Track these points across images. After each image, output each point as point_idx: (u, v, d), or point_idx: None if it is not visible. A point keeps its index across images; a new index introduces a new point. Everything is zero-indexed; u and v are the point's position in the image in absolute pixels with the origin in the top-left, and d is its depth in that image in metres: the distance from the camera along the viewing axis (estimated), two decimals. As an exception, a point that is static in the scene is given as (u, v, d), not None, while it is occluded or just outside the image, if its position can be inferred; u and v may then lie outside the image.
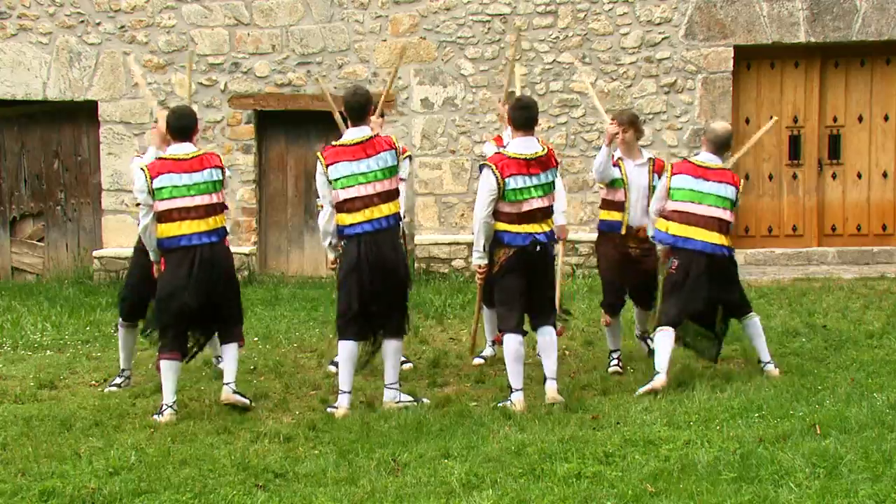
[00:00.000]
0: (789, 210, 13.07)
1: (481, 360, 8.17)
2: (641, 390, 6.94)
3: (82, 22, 13.03)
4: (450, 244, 12.57)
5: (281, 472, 5.51)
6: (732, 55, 12.63)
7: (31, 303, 11.34)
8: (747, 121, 13.01)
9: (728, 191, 7.24)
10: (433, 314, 10.12)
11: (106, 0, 12.98)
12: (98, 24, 13.02)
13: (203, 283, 6.81)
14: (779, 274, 11.99)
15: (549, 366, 6.89)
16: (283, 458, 5.76)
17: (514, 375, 6.77)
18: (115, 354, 8.36)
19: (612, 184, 7.62)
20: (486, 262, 6.87)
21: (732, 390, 6.73)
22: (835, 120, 12.97)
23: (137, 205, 7.09)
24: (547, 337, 6.90)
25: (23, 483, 5.37)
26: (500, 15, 12.75)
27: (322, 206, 6.94)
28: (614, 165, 7.55)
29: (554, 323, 6.99)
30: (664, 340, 7.10)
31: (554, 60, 12.72)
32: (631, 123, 7.57)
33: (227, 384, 6.98)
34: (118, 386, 7.68)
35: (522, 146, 6.80)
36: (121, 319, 7.78)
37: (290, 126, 13.18)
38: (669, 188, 7.29)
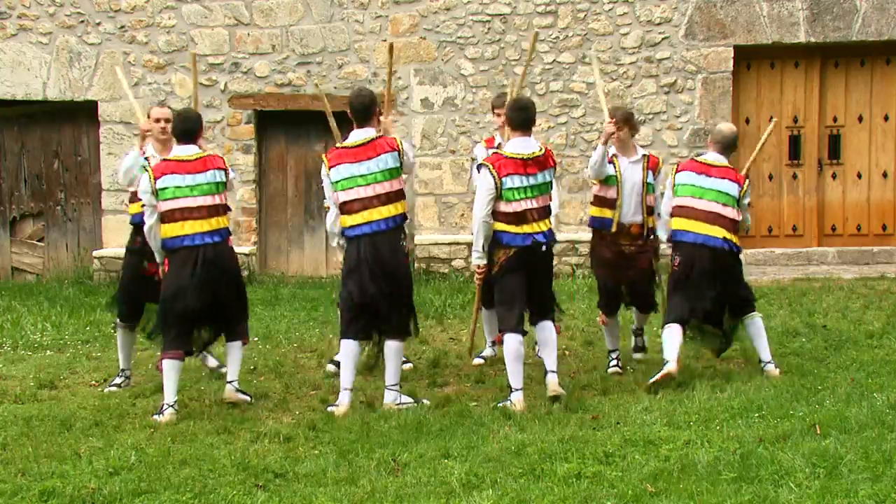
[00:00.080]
0: (789, 210, 13.08)
1: (481, 361, 8.17)
2: (653, 380, 7.02)
3: (82, 22, 13.04)
4: (450, 244, 12.57)
5: (281, 472, 5.51)
6: (732, 55, 12.64)
7: (31, 303, 11.34)
8: (747, 121, 13.01)
9: (730, 187, 7.29)
10: (433, 314, 10.11)
11: (106, 0, 12.98)
12: (98, 24, 13.03)
13: (206, 283, 6.84)
14: (779, 274, 11.99)
15: (550, 359, 6.93)
16: (283, 458, 5.76)
17: (514, 375, 6.77)
18: (114, 354, 8.36)
19: (606, 181, 7.57)
20: (485, 261, 6.89)
21: (732, 390, 6.74)
22: (835, 120, 12.98)
23: (132, 201, 7.49)
24: (546, 332, 6.95)
25: (23, 483, 5.37)
26: (500, 15, 12.75)
27: (329, 208, 7.06)
28: (609, 163, 7.54)
29: (553, 318, 7.03)
30: (672, 334, 7.18)
31: (554, 60, 12.72)
32: (625, 121, 7.51)
33: (229, 383, 7.10)
34: (118, 386, 7.68)
35: (520, 146, 6.83)
36: (118, 321, 7.79)
37: (290, 126, 13.18)
38: (674, 186, 7.42)
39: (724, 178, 7.31)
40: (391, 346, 6.90)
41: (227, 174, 7.03)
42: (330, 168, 6.83)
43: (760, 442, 5.49)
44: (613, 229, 7.56)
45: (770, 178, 13.05)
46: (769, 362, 7.31)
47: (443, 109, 12.85)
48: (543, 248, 6.85)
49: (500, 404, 6.76)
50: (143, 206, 7.05)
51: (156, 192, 6.84)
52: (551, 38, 12.71)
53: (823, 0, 12.52)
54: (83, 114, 13.26)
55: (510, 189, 6.73)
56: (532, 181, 6.79)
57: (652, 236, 7.67)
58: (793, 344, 8.24)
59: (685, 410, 6.30)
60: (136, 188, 7.31)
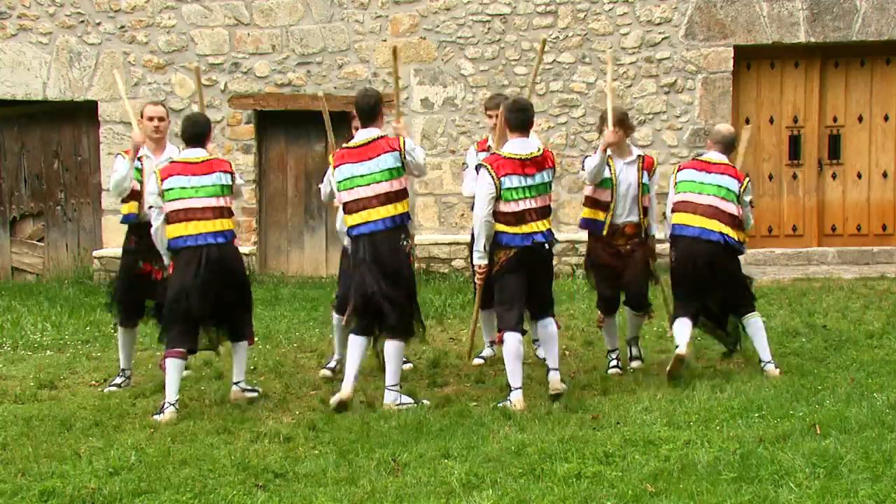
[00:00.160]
0: (789, 210, 13.08)
1: (481, 361, 8.17)
2: (668, 369, 7.15)
3: (82, 22, 13.04)
4: (450, 244, 12.57)
5: (281, 472, 5.51)
6: (732, 55, 12.64)
7: (31, 303, 11.34)
8: (747, 121, 13.00)
9: (731, 182, 7.35)
10: (433, 314, 10.11)
11: (106, 0, 12.99)
12: (98, 24, 13.03)
13: (210, 284, 6.87)
14: (779, 274, 11.99)
15: (551, 356, 6.98)
16: (283, 458, 5.76)
17: (514, 374, 6.79)
18: (114, 354, 8.36)
19: (601, 183, 7.49)
20: (486, 261, 6.90)
21: (732, 390, 6.74)
22: (835, 120, 12.98)
23: (125, 201, 7.53)
24: (548, 329, 7.01)
25: (23, 483, 5.37)
26: (500, 15, 12.76)
27: (339, 207, 7.15)
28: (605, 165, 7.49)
29: (554, 315, 7.11)
30: (682, 325, 7.31)
31: (554, 60, 12.72)
32: (620, 123, 7.40)
33: (235, 383, 7.22)
34: (118, 386, 7.68)
35: (518, 147, 6.87)
36: (119, 319, 7.78)
37: (290, 126, 13.19)
38: (675, 184, 7.50)
39: (724, 174, 7.38)
40: (391, 346, 6.91)
41: (233, 178, 7.09)
42: (335, 168, 6.95)
43: (760, 442, 5.49)
44: (605, 232, 7.49)
45: (770, 178, 13.05)
46: (769, 362, 7.32)
47: (443, 109, 12.85)
48: (544, 247, 6.88)
49: (500, 404, 6.77)
50: (149, 207, 7.10)
51: (162, 194, 6.89)
52: (551, 38, 12.71)
53: (823, 0, 12.52)
54: (83, 114, 13.27)
55: (509, 189, 6.77)
56: (530, 181, 6.82)
57: (646, 236, 7.60)
58: (793, 344, 8.24)
59: (685, 410, 6.30)
60: (126, 193, 7.47)
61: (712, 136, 7.64)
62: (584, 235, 12.17)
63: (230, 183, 7.05)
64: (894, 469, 4.92)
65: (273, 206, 13.35)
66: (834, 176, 13.03)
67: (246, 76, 12.97)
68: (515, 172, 6.78)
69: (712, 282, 7.29)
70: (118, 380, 7.75)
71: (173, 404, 6.79)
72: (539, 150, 6.90)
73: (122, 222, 7.72)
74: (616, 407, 6.59)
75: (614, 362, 7.74)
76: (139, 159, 7.46)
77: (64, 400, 7.39)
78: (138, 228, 7.52)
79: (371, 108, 6.94)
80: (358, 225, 6.85)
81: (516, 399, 6.71)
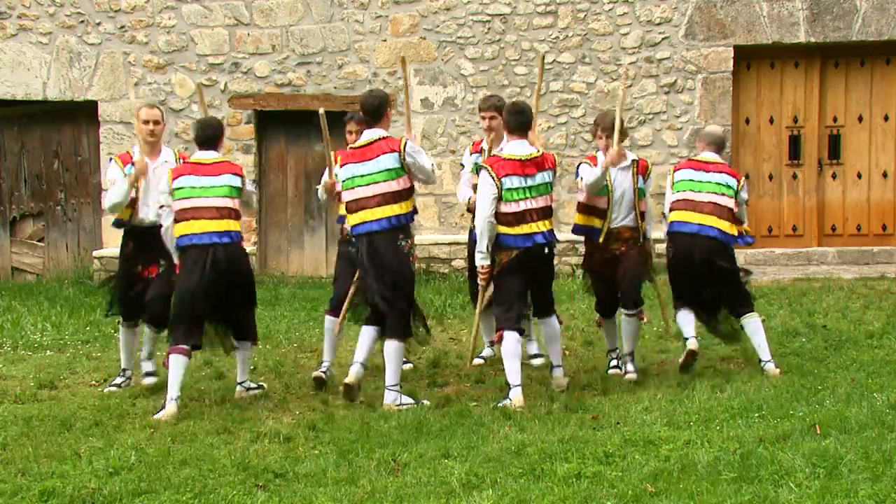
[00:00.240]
0: (789, 210, 13.08)
1: (481, 361, 8.16)
2: (681, 363, 7.38)
3: (82, 22, 13.04)
4: (450, 244, 12.57)
5: (281, 472, 5.51)
6: (732, 55, 12.64)
7: (32, 303, 11.34)
8: (747, 121, 13.02)
9: (728, 180, 7.47)
10: (433, 314, 10.11)
11: (106, 0, 12.99)
12: (98, 24, 13.03)
13: (216, 283, 6.93)
14: (779, 274, 11.99)
15: (555, 354, 7.19)
16: (283, 458, 5.76)
17: (512, 372, 6.82)
18: (115, 354, 8.37)
19: (598, 191, 7.39)
20: (489, 262, 6.92)
21: (732, 390, 6.74)
22: (835, 120, 12.98)
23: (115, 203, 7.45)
24: (551, 327, 7.14)
25: (23, 483, 5.37)
26: (500, 15, 12.76)
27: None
28: None
29: (556, 313, 7.22)
30: (685, 316, 7.45)
31: (554, 60, 12.72)
32: (614, 128, 7.29)
33: (239, 384, 7.33)
34: (118, 386, 7.67)
35: (517, 148, 6.94)
36: (121, 319, 7.80)
37: (290, 126, 13.19)
38: (673, 183, 7.54)
39: (721, 172, 7.52)
40: (390, 346, 6.93)
41: (243, 182, 7.15)
42: (340, 167, 7.05)
43: (760, 442, 5.49)
44: (601, 239, 7.41)
45: (770, 178, 13.05)
46: (769, 361, 7.34)
47: (443, 109, 12.85)
48: (545, 250, 6.93)
49: (500, 403, 6.78)
50: (160, 206, 7.15)
51: (172, 192, 6.99)
52: (551, 38, 12.71)
53: (823, 0, 12.52)
54: (83, 114, 13.27)
55: (509, 189, 6.82)
56: (531, 182, 6.88)
57: (644, 239, 7.52)
58: (793, 344, 8.24)
59: (685, 410, 6.30)
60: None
61: (705, 138, 7.72)
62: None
63: (240, 185, 7.10)
64: (894, 469, 4.92)
65: (273, 206, 13.35)
66: (834, 176, 13.03)
67: (246, 76, 12.97)
68: (516, 173, 6.84)
69: (710, 278, 7.36)
70: (118, 380, 7.75)
71: (175, 399, 6.82)
72: (539, 151, 6.97)
73: (114, 226, 7.73)
74: (616, 407, 6.59)
75: (614, 362, 7.74)
76: (132, 164, 7.42)
77: (64, 400, 7.39)
78: (134, 234, 7.51)
79: (376, 109, 6.97)
80: (357, 225, 6.92)
81: (515, 396, 6.73)
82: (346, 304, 7.42)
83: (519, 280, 6.90)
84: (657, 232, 7.93)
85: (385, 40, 12.82)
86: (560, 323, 7.26)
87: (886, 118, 12.91)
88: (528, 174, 6.86)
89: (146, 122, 7.46)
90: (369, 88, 7.48)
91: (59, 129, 13.53)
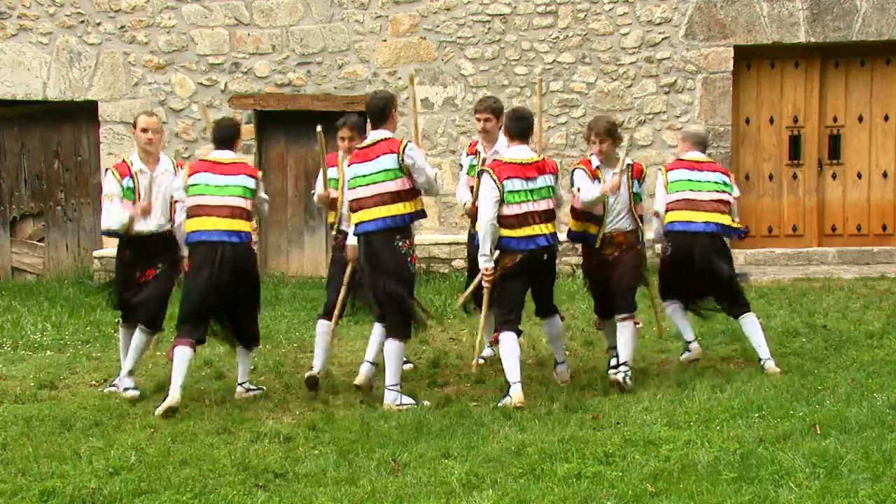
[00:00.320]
0: (789, 210, 13.08)
1: (481, 361, 8.14)
2: (683, 357, 7.71)
3: (82, 22, 13.04)
4: (450, 244, 12.57)
5: (281, 472, 5.51)
6: (732, 55, 12.64)
7: (32, 303, 11.34)
8: (747, 121, 13.02)
9: (724, 178, 7.66)
10: (433, 314, 10.09)
11: (106, 0, 12.99)
12: (98, 24, 13.03)
13: (222, 282, 6.98)
14: (779, 274, 11.99)
15: (559, 351, 7.40)
16: (283, 458, 5.76)
17: (511, 371, 6.85)
18: (115, 354, 8.37)
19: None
20: (492, 265, 6.95)
21: (732, 390, 6.74)
22: (835, 120, 12.98)
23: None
24: (554, 326, 7.28)
25: (23, 483, 5.37)
26: (500, 15, 12.76)
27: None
28: (594, 178, 7.27)
29: (558, 311, 7.31)
30: (677, 311, 7.70)
31: (554, 60, 12.72)
32: (608, 133, 7.25)
33: (240, 384, 7.36)
34: (118, 386, 7.66)
35: (518, 153, 7.01)
36: (121, 319, 7.79)
37: (290, 126, 13.18)
38: (667, 184, 7.56)
39: (714, 171, 7.67)
40: (390, 346, 6.96)
41: (257, 184, 7.19)
42: (348, 166, 7.14)
43: (760, 442, 5.49)
44: (597, 245, 7.33)
45: (770, 178, 13.06)
46: (769, 359, 7.37)
47: (443, 109, 12.85)
48: (548, 252, 6.99)
49: (501, 403, 6.79)
50: (175, 201, 7.21)
51: (186, 189, 7.05)
52: (551, 38, 12.71)
53: (823, 0, 12.52)
54: (83, 114, 13.27)
55: (511, 192, 6.87)
56: (532, 185, 6.93)
57: (642, 244, 7.46)
58: (793, 344, 8.24)
59: (685, 410, 6.30)
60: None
61: (690, 138, 7.83)
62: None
63: (254, 187, 7.15)
64: (894, 469, 4.92)
65: (273, 206, 13.29)
66: (834, 176, 13.03)
67: (246, 76, 12.97)
68: (517, 176, 6.90)
69: (709, 278, 7.44)
70: (118, 380, 7.73)
71: (179, 388, 6.88)
72: (540, 156, 7.07)
73: (106, 234, 7.61)
74: (616, 407, 6.59)
75: (614, 360, 7.72)
76: (132, 176, 7.25)
77: (64, 400, 7.39)
78: (132, 243, 7.35)
79: (380, 110, 7.04)
80: (357, 224, 6.98)
81: (515, 393, 6.77)
82: (337, 307, 7.40)
83: (521, 284, 6.99)
84: (648, 232, 7.91)
85: (385, 40, 12.82)
86: (562, 319, 7.36)
87: (886, 118, 12.91)
88: (530, 177, 6.92)
89: (144, 130, 7.32)
90: (374, 90, 7.49)
91: (59, 129, 13.53)
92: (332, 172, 7.65)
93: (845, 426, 5.65)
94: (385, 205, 6.88)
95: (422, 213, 7.07)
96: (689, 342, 7.81)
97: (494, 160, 7.14)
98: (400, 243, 6.92)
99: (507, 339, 6.90)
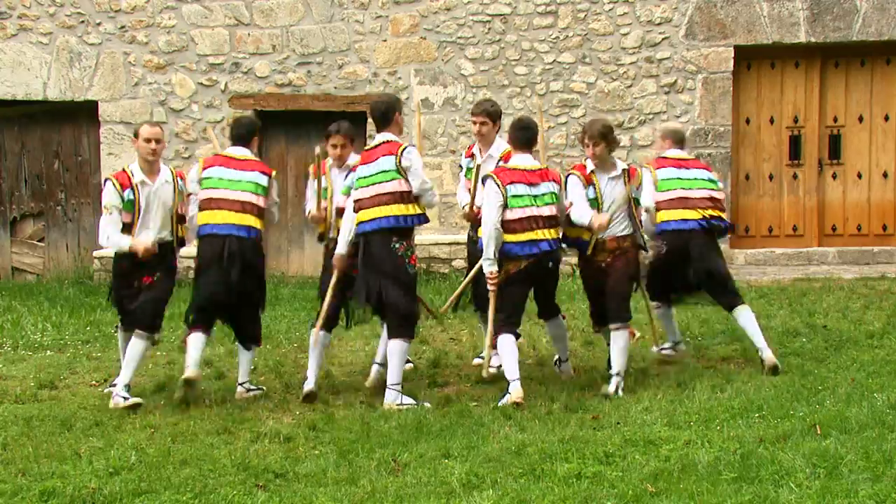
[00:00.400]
0: (790, 210, 13.07)
1: (481, 360, 8.14)
2: (665, 352, 7.93)
3: (82, 22, 13.04)
4: (450, 244, 12.56)
5: (281, 472, 5.52)
6: (733, 55, 12.64)
7: (32, 303, 11.33)
8: (748, 121, 13.02)
9: (711, 175, 7.83)
10: (436, 313, 10.09)
11: (106, 0, 12.98)
12: (98, 24, 13.03)
13: (227, 274, 7.08)
14: (779, 274, 11.99)
15: (563, 350, 7.58)
16: (284, 458, 5.76)
17: (510, 370, 6.89)
18: (115, 354, 8.36)
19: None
20: (496, 268, 6.97)
21: (733, 390, 6.74)
22: (835, 120, 12.97)
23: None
24: (558, 327, 7.43)
25: (23, 483, 5.37)
26: (501, 15, 12.75)
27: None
28: (589, 184, 7.14)
29: (560, 311, 7.42)
30: (665, 315, 7.90)
31: (554, 60, 12.72)
32: (602, 136, 7.11)
33: (240, 384, 7.39)
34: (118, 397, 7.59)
35: (521, 161, 7.11)
36: (119, 324, 7.72)
37: (290, 126, 13.18)
38: (656, 181, 7.58)
39: (701, 168, 7.86)
40: (392, 345, 7.00)
41: (270, 182, 7.29)
42: (352, 171, 7.28)
43: (761, 442, 5.49)
44: (589, 252, 7.20)
45: (770, 178, 13.05)
46: (766, 349, 7.42)
47: (443, 109, 12.85)
48: (550, 264, 7.07)
49: (501, 402, 6.79)
50: (188, 195, 7.31)
51: (200, 181, 7.20)
52: (551, 38, 12.71)
53: (824, 0, 12.52)
54: (83, 114, 13.26)
55: (515, 196, 6.94)
56: (535, 191, 7.00)
57: (638, 248, 7.30)
58: (793, 344, 8.24)
59: (685, 410, 6.30)
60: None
61: (671, 135, 7.96)
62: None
63: (266, 185, 7.25)
64: (894, 469, 4.92)
65: (273, 206, 13.34)
66: (834, 176, 13.03)
67: (246, 76, 12.97)
68: (521, 181, 6.97)
69: (706, 271, 7.51)
70: (116, 390, 7.67)
71: (193, 366, 7.05)
72: (544, 165, 7.18)
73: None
74: (616, 407, 6.59)
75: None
76: (132, 188, 7.08)
77: (64, 400, 7.39)
78: (130, 253, 7.14)
79: (383, 114, 7.13)
80: (357, 225, 7.05)
81: (514, 390, 6.80)
82: (322, 313, 7.30)
83: (523, 289, 7.07)
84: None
85: (385, 40, 12.82)
86: (563, 318, 7.45)
87: (887, 118, 12.91)
88: (533, 183, 6.98)
89: (148, 140, 7.14)
90: (379, 94, 7.58)
91: (59, 129, 13.53)
92: (322, 181, 7.60)
93: (845, 426, 5.65)
94: (382, 205, 6.92)
95: (423, 218, 7.07)
96: (677, 343, 7.98)
97: (499, 166, 7.19)
98: (397, 245, 6.96)
99: (506, 341, 6.95)
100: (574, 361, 8.08)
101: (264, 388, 7.50)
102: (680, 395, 6.73)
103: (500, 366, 7.75)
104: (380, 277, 6.94)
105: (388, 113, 7.12)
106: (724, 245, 12.32)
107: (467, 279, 7.71)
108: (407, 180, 6.93)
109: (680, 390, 6.90)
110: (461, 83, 12.82)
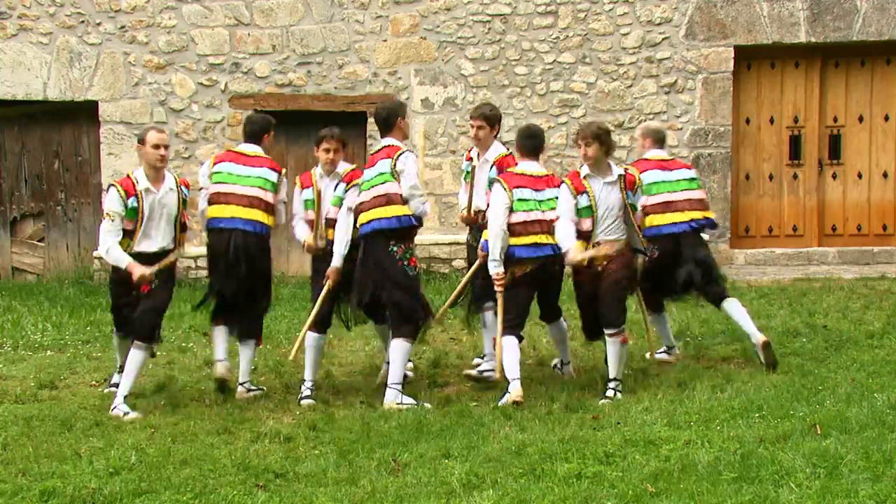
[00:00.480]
0: (790, 210, 13.07)
1: (480, 360, 8.15)
2: (659, 357, 7.96)
3: (83, 22, 13.03)
4: (450, 244, 12.56)
5: (281, 472, 5.52)
6: (733, 55, 12.64)
7: (32, 303, 11.33)
8: (748, 121, 13.02)
9: (692, 174, 7.92)
10: (434, 314, 10.08)
11: (106, 0, 12.98)
12: (98, 24, 13.03)
13: (233, 268, 7.17)
14: (779, 274, 11.99)
15: (565, 352, 7.70)
16: (284, 458, 5.76)
17: (511, 370, 6.91)
18: (115, 354, 8.35)
19: (580, 213, 7.00)
20: (503, 270, 6.99)
21: (733, 390, 6.74)
22: (835, 120, 12.97)
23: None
24: (560, 330, 7.54)
25: (23, 483, 5.37)
26: (501, 15, 12.75)
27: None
28: (582, 191, 6.99)
29: (562, 316, 7.50)
30: (658, 321, 7.94)
31: (554, 60, 12.72)
32: (595, 138, 7.00)
33: (241, 384, 7.40)
34: (118, 385, 7.59)
35: (528, 167, 7.18)
36: (114, 328, 7.61)
37: (290, 126, 13.16)
38: (641, 185, 7.43)
39: (682, 168, 7.93)
40: (393, 344, 7.06)
41: (279, 178, 7.40)
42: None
43: (761, 442, 5.49)
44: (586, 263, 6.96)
45: (770, 178, 13.05)
46: (756, 332, 7.52)
47: (443, 110, 12.85)
48: (556, 267, 7.10)
49: (501, 402, 6.80)
50: (199, 189, 7.47)
51: (211, 176, 7.33)
52: (552, 38, 12.71)
53: (824, 0, 12.52)
54: (83, 114, 13.26)
55: (521, 200, 7.00)
56: (540, 196, 7.05)
57: (635, 251, 7.15)
58: (793, 344, 8.24)
59: (686, 410, 6.30)
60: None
61: (652, 135, 7.95)
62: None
63: (275, 181, 7.36)
64: (894, 469, 4.92)
65: (273, 206, 13.33)
66: (834, 176, 13.03)
67: (246, 76, 12.97)
68: (527, 186, 7.03)
69: (698, 270, 7.60)
70: (117, 378, 7.68)
71: (222, 360, 7.25)
72: (550, 172, 7.26)
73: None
74: (616, 407, 6.59)
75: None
76: (136, 196, 6.92)
77: (64, 400, 7.39)
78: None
79: (384, 119, 7.22)
80: (360, 227, 7.14)
81: (514, 389, 6.82)
82: (311, 316, 7.24)
83: (528, 292, 7.09)
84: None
85: (385, 40, 12.82)
86: (565, 321, 7.52)
87: (887, 118, 12.91)
88: (539, 188, 7.05)
89: (156, 146, 6.96)
90: (382, 100, 7.68)
91: (59, 129, 13.52)
92: (307, 193, 7.52)
93: (846, 426, 5.65)
94: (377, 207, 7.02)
95: (414, 221, 7.07)
96: (671, 347, 8.05)
97: (505, 172, 7.24)
98: (395, 248, 7.02)
99: (510, 342, 6.97)
100: (574, 362, 8.08)
101: (265, 388, 7.50)
102: (680, 396, 6.73)
103: (485, 371, 7.74)
104: (378, 279, 7.03)
105: (389, 118, 7.20)
106: (724, 245, 12.59)
107: (456, 292, 7.68)
108: (398, 184, 7.03)
109: (680, 390, 6.90)
110: (461, 83, 12.82)
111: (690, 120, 12.67)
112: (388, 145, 7.15)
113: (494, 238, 6.97)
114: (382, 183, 7.02)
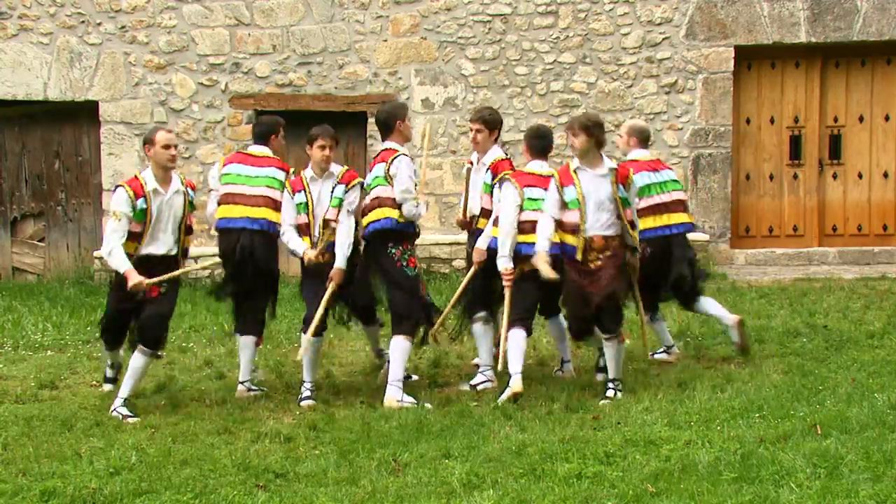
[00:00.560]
0: (790, 210, 13.08)
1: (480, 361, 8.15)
2: (659, 356, 8.00)
3: (83, 22, 13.04)
4: (450, 244, 12.56)
5: (281, 472, 5.51)
6: (733, 55, 12.64)
7: (32, 303, 11.33)
8: (748, 121, 13.02)
9: (674, 174, 8.00)
10: (434, 314, 10.08)
11: (107, 0, 12.99)
12: (99, 24, 13.03)
13: (240, 266, 7.23)
14: (779, 274, 11.99)
15: (564, 350, 7.74)
16: (284, 458, 5.76)
17: (514, 361, 6.93)
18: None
19: (567, 205, 6.85)
20: (512, 266, 7.02)
21: (733, 390, 6.73)
22: (835, 120, 12.98)
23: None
24: (559, 328, 7.60)
25: (24, 483, 5.37)
26: (501, 15, 12.76)
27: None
28: (569, 184, 6.83)
29: (560, 312, 7.49)
30: (655, 323, 7.93)
31: (555, 60, 12.72)
32: (583, 128, 6.77)
33: (241, 383, 7.42)
34: (113, 381, 7.54)
35: (537, 167, 7.27)
36: (103, 342, 7.49)
37: (290, 126, 13.02)
38: (633, 184, 7.35)
39: (665, 169, 7.96)
40: (394, 343, 7.10)
41: (287, 177, 7.39)
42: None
43: (761, 442, 5.49)
44: (579, 257, 6.82)
45: (771, 178, 13.05)
46: (727, 315, 7.81)
47: (443, 110, 12.85)
48: (560, 258, 7.04)
49: (501, 399, 6.85)
50: (209, 190, 7.62)
51: (220, 177, 7.45)
52: (552, 38, 12.71)
53: (824, 0, 12.52)
54: (84, 114, 13.26)
55: (530, 199, 7.06)
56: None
57: (632, 250, 6.97)
58: (794, 344, 8.24)
59: (686, 410, 6.30)
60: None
61: (638, 134, 7.95)
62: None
63: (282, 179, 7.38)
64: (895, 469, 4.92)
65: (274, 206, 13.34)
66: (835, 176, 13.03)
67: (246, 76, 12.97)
68: (537, 185, 7.09)
69: (686, 261, 7.71)
70: (109, 373, 7.62)
71: (248, 381, 7.38)
72: (556, 172, 7.18)
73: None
74: (617, 407, 6.59)
75: (602, 361, 7.71)
76: (144, 197, 6.80)
77: (65, 400, 7.39)
78: (138, 264, 6.84)
79: (384, 122, 7.28)
80: (363, 226, 7.28)
81: (515, 382, 6.85)
82: (317, 315, 7.13)
83: (538, 288, 7.06)
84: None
85: (386, 40, 12.82)
86: (565, 318, 7.48)
87: (887, 118, 12.91)
88: (547, 188, 7.05)
89: (166, 146, 6.84)
90: (382, 103, 7.77)
91: (59, 129, 13.53)
92: (299, 197, 7.23)
93: (846, 426, 5.65)
94: (374, 209, 7.11)
95: (408, 225, 7.09)
96: (670, 347, 8.06)
97: (516, 171, 7.33)
98: (393, 250, 7.09)
99: (517, 335, 7.01)
100: (574, 361, 8.08)
101: (266, 388, 7.50)
102: (680, 395, 6.73)
103: (479, 384, 7.56)
104: (378, 280, 7.20)
105: (388, 121, 7.23)
106: (724, 245, 12.61)
107: (450, 306, 7.67)
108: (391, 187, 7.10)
109: (680, 390, 6.90)
110: (462, 83, 12.82)
111: (691, 120, 12.68)
112: (386, 149, 7.21)
113: (505, 236, 7.04)
114: (378, 185, 7.13)
